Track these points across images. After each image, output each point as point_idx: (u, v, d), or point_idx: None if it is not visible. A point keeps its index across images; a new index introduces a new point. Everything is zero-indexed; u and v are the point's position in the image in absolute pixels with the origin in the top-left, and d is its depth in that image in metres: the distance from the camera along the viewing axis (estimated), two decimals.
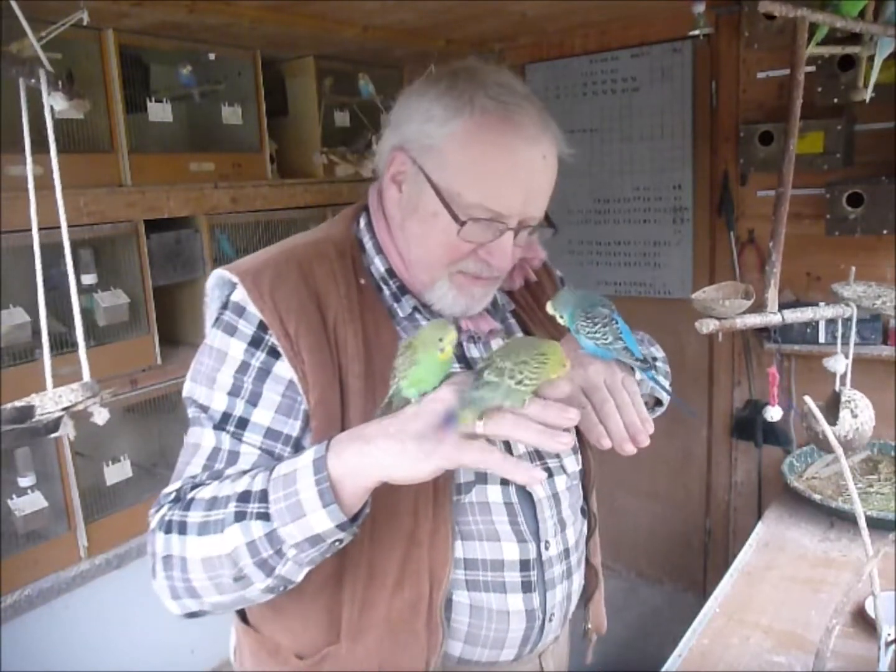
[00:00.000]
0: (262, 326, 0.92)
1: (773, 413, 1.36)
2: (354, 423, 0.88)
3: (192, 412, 0.96)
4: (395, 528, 0.93)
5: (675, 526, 2.92)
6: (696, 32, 2.17)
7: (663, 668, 1.30)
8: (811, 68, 2.03)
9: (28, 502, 1.82)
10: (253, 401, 0.92)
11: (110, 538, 1.99)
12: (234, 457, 0.91)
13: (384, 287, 1.01)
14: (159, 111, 2.11)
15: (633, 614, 2.82)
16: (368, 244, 1.04)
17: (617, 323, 0.93)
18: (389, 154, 0.99)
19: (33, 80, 0.91)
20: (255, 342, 0.93)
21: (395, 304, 1.01)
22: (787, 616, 1.41)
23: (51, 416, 0.89)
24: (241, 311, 0.94)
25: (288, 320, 0.91)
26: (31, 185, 0.92)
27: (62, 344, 1.71)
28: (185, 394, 0.98)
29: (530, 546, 0.98)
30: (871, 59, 1.09)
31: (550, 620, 1.02)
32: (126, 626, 2.04)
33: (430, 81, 0.98)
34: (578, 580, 1.08)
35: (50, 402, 0.90)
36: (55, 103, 0.94)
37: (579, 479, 1.11)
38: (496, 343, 1.05)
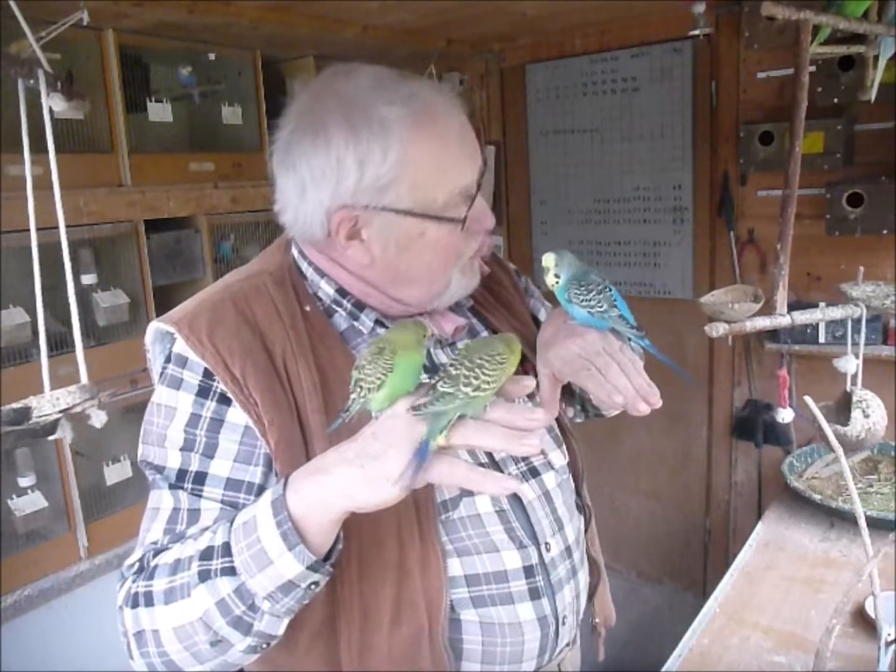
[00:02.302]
0: (207, 374, 0.87)
1: (785, 415, 1.36)
2: None
3: (149, 475, 0.90)
4: (382, 562, 0.88)
5: (675, 526, 2.92)
6: (696, 32, 2.16)
7: (663, 668, 1.30)
8: (812, 68, 2.03)
9: (28, 502, 1.82)
10: (208, 453, 0.86)
11: (110, 538, 1.99)
12: (195, 515, 0.85)
13: (337, 308, 0.96)
14: (159, 111, 2.11)
15: (633, 614, 2.81)
16: (309, 270, 0.98)
17: (610, 290, 0.91)
18: (328, 218, 0.90)
19: (32, 81, 0.91)
20: (203, 391, 0.87)
21: (355, 322, 0.96)
22: (787, 616, 1.41)
23: (48, 418, 0.89)
24: (183, 361, 0.88)
25: (232, 363, 0.86)
26: (29, 186, 0.92)
27: (62, 344, 1.71)
28: (139, 457, 0.92)
29: (531, 551, 0.95)
30: (874, 58, 1.09)
31: (563, 624, 0.99)
32: None
33: (319, 128, 0.87)
34: (584, 577, 1.06)
35: (47, 404, 0.90)
36: (54, 104, 0.94)
37: (569, 473, 1.08)
38: (462, 344, 1.01)
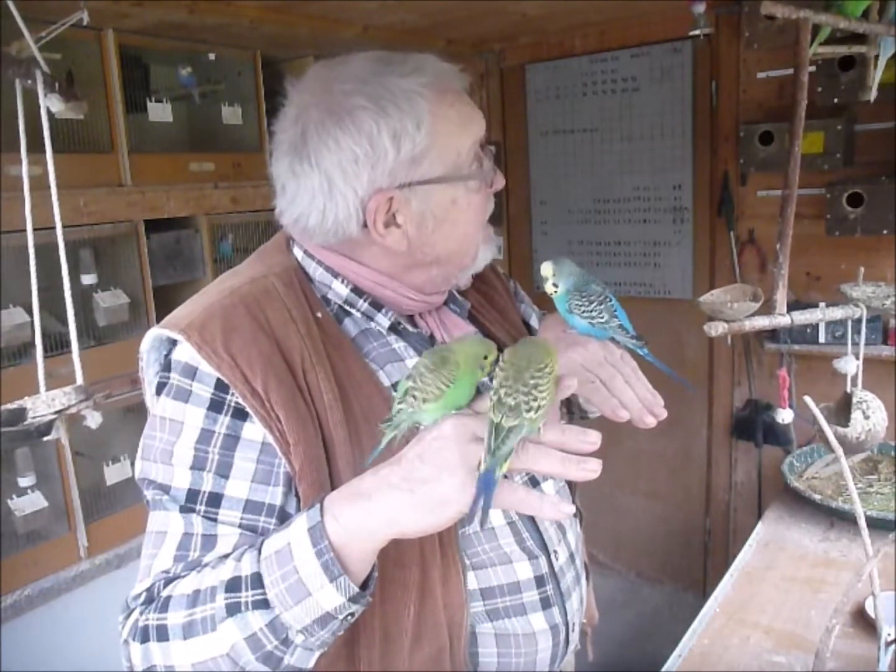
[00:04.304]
0: (220, 386, 0.80)
1: (785, 415, 1.35)
2: (345, 478, 0.77)
3: (150, 495, 0.83)
4: (404, 582, 0.85)
5: (675, 526, 2.92)
6: (696, 32, 2.17)
7: (663, 669, 1.30)
8: (811, 68, 2.03)
9: (28, 502, 1.82)
10: (223, 472, 0.80)
11: (110, 538, 1.99)
12: (210, 541, 0.78)
13: (350, 311, 0.91)
14: (159, 111, 2.11)
15: (633, 614, 2.81)
16: (317, 272, 0.92)
17: (611, 300, 0.91)
18: (363, 209, 0.85)
19: (30, 82, 0.91)
20: (216, 405, 0.81)
21: (370, 324, 0.92)
22: (787, 616, 1.41)
23: (43, 419, 0.89)
24: (192, 371, 0.82)
25: (253, 375, 0.79)
26: (26, 186, 0.92)
27: (62, 344, 1.71)
28: (137, 475, 0.85)
29: (541, 560, 0.95)
30: (875, 58, 1.09)
31: (573, 630, 0.99)
32: None
33: (343, 115, 0.84)
34: (584, 582, 1.06)
35: (42, 405, 0.89)
36: (52, 105, 0.94)
37: (564, 480, 1.06)
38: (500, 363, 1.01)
